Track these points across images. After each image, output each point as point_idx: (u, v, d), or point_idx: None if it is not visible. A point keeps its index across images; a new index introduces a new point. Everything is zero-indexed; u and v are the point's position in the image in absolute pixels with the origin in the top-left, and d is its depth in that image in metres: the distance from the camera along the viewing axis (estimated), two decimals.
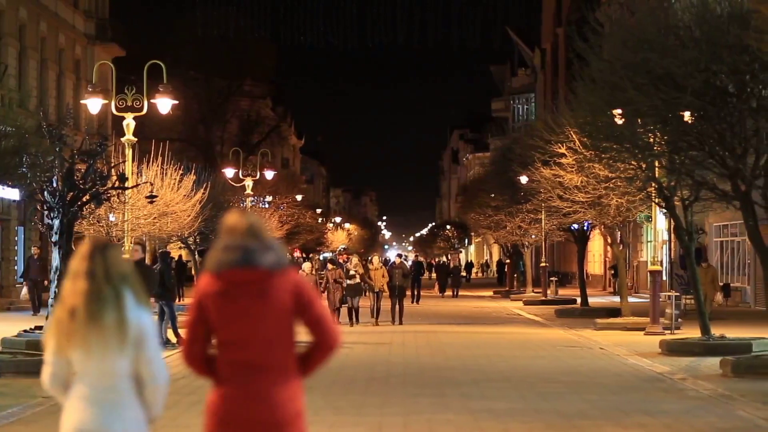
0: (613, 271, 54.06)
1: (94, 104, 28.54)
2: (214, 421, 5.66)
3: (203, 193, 34.43)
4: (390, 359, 22.01)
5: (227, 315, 5.61)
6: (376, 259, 35.60)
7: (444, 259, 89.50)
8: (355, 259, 34.66)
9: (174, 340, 25.47)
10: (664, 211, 27.43)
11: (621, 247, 40.07)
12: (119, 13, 58.95)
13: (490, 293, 61.79)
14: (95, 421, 5.50)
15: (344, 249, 40.04)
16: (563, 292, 53.71)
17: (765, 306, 34.43)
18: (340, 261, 33.75)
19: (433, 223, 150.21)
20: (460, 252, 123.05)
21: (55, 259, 23.50)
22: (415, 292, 48.75)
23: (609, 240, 36.78)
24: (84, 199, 23.73)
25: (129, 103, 28.28)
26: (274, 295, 5.61)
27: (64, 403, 5.65)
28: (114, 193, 25.79)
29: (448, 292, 60.02)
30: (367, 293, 33.69)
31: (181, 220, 32.65)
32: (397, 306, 33.46)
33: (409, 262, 58.11)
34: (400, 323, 32.51)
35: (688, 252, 24.76)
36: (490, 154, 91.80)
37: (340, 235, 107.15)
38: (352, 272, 32.37)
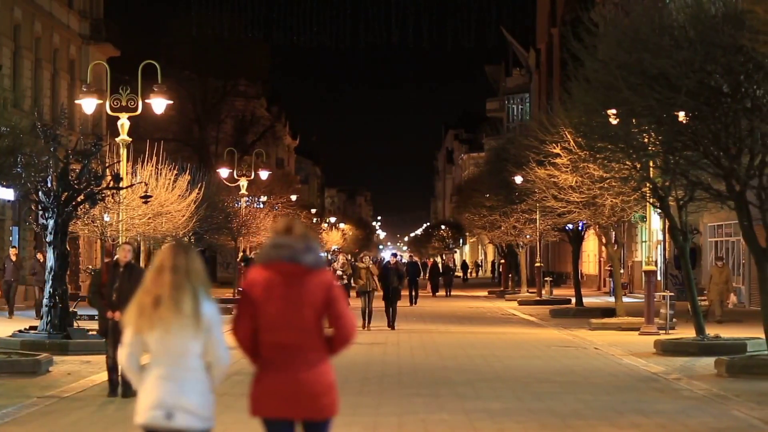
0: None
1: (88, 104, 28.52)
2: (258, 392, 6.83)
3: (198, 193, 34.42)
4: (384, 359, 22.01)
5: (270, 299, 6.80)
6: (367, 258, 33.68)
7: (438, 259, 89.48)
8: (341, 259, 33.42)
9: None
10: (659, 211, 27.45)
11: (615, 248, 40.10)
12: (114, 13, 58.97)
13: (484, 293, 61.83)
14: (172, 394, 6.51)
15: (338, 249, 39.60)
16: (558, 292, 53.74)
17: (759, 306, 34.39)
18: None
19: (428, 223, 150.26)
20: (455, 252, 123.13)
21: (50, 259, 23.49)
22: (413, 293, 46.82)
23: (604, 240, 36.78)
24: (78, 199, 23.73)
25: (123, 103, 28.26)
26: (310, 287, 6.83)
27: (135, 380, 6.65)
28: (108, 193, 25.78)
29: (441, 292, 60.13)
30: (353, 295, 32.91)
31: (175, 220, 32.64)
32: (391, 309, 31.64)
33: (404, 262, 56.56)
34: (393, 328, 31.06)
35: (683, 252, 24.78)
36: (485, 154, 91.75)
37: (335, 235, 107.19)
38: (339, 272, 31.24)
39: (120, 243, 21.46)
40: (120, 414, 14.47)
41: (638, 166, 22.37)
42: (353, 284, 31.56)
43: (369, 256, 35.72)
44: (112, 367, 15.73)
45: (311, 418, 6.85)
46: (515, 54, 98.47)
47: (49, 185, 23.29)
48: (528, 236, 51.25)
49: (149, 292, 6.62)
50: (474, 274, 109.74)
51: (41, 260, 34.27)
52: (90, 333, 22.68)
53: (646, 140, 20.88)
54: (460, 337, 28.40)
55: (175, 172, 33.70)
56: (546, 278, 52.93)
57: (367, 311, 30.88)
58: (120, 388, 15.64)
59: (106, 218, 30.47)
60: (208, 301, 6.65)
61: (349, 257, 66.89)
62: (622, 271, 48.69)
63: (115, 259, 16.12)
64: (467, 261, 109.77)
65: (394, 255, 39.56)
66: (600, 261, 63.59)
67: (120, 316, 15.41)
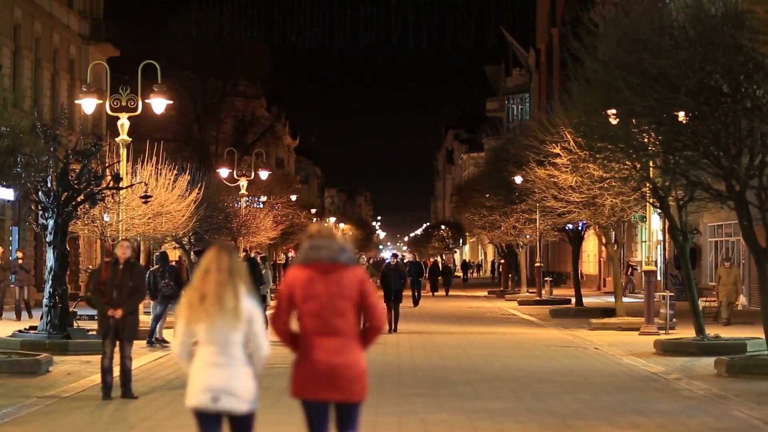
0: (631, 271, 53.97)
1: (88, 104, 28.52)
2: (298, 376, 7.70)
3: (198, 193, 34.38)
4: (384, 359, 22.00)
5: (310, 294, 7.71)
6: (363, 259, 31.89)
7: (438, 259, 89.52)
8: None
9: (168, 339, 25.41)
10: (659, 211, 27.46)
11: (615, 247, 40.09)
12: (113, 13, 58.90)
13: (484, 293, 61.83)
14: (219, 378, 7.39)
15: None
16: (558, 292, 53.74)
17: (759, 306, 34.36)
18: None
19: (428, 223, 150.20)
20: (455, 252, 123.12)
21: (50, 259, 23.49)
22: (415, 294, 45.57)
23: (604, 240, 36.77)
24: (78, 199, 23.73)
25: (123, 103, 28.26)
26: (345, 282, 7.73)
27: (185, 366, 7.54)
28: (108, 193, 25.77)
29: (441, 292, 60.18)
30: None
31: (175, 220, 32.60)
32: (393, 312, 30.02)
33: (406, 261, 55.54)
34: (395, 331, 29.76)
35: (683, 252, 24.78)
36: (485, 154, 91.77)
37: None
38: None
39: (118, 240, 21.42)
40: (120, 414, 14.48)
41: (638, 166, 22.36)
42: None
43: (365, 256, 34.31)
44: (108, 368, 15.57)
45: (345, 400, 7.71)
46: (515, 54, 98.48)
47: (49, 185, 23.29)
48: (528, 236, 51.25)
49: (197, 290, 7.53)
50: (476, 274, 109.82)
51: (22, 261, 34.23)
52: (90, 333, 22.68)
53: (646, 140, 20.87)
54: (460, 337, 28.40)
55: (175, 172, 33.67)
56: (546, 278, 52.93)
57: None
58: (120, 389, 15.60)
59: (106, 218, 30.45)
60: (249, 297, 7.53)
61: None
62: (627, 273, 49.00)
63: (114, 256, 16.04)
64: (467, 261, 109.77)
65: (395, 255, 38.54)
66: (600, 261, 63.61)
67: (120, 313, 15.43)
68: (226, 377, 7.41)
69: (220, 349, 7.46)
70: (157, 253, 27.56)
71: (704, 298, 33.16)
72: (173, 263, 26.52)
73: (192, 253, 27.66)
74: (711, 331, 24.50)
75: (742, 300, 33.19)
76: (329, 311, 7.70)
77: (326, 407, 7.75)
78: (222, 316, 7.45)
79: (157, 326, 25.07)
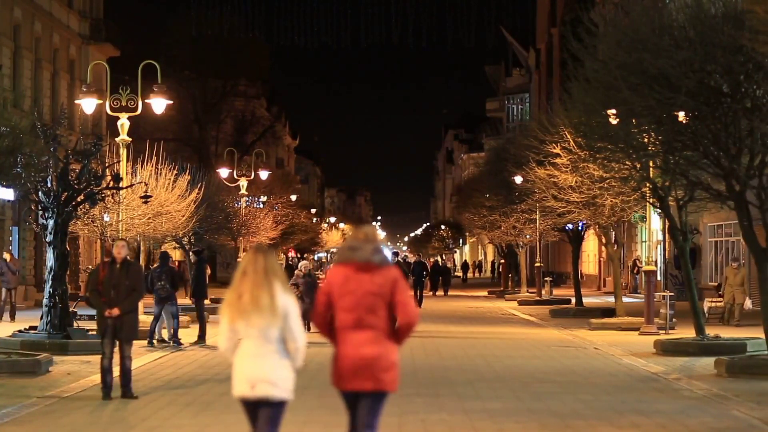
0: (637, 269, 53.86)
1: (88, 104, 28.51)
2: (337, 364, 8.48)
3: (198, 193, 34.37)
4: None
5: (345, 291, 8.47)
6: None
7: (438, 259, 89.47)
8: (305, 264, 29.73)
9: (167, 338, 25.37)
10: (659, 211, 27.44)
11: (615, 247, 40.08)
12: (113, 13, 58.84)
13: (484, 293, 61.82)
14: (260, 369, 8.21)
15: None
16: (558, 292, 53.74)
17: (759, 306, 34.24)
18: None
19: (428, 223, 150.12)
20: (455, 252, 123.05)
21: (50, 259, 23.48)
22: (418, 294, 45.39)
23: (604, 240, 36.77)
24: (78, 199, 23.72)
25: (123, 103, 28.27)
26: (379, 281, 8.47)
27: (230, 359, 8.35)
28: (108, 193, 25.77)
29: (440, 292, 60.26)
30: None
31: (175, 220, 32.58)
32: None
33: (408, 261, 55.30)
34: None
35: (683, 252, 24.78)
36: (485, 154, 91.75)
37: (335, 235, 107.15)
38: (300, 280, 27.69)
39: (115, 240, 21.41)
40: (119, 414, 14.48)
41: (638, 166, 22.35)
42: None
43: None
44: (108, 368, 15.56)
45: (376, 389, 8.46)
46: (515, 54, 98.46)
47: (49, 185, 23.28)
48: (528, 236, 51.23)
49: (235, 290, 8.32)
50: (477, 273, 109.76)
51: (7, 260, 34.15)
52: (90, 333, 22.66)
53: (646, 140, 20.87)
54: (460, 337, 28.39)
55: (175, 172, 33.65)
56: (546, 278, 52.93)
57: None
58: (120, 389, 15.59)
59: (106, 218, 30.44)
60: (284, 294, 8.29)
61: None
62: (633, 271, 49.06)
63: (111, 256, 16.00)
64: (467, 261, 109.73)
65: (395, 254, 37.65)
66: (600, 261, 63.61)
67: (117, 312, 15.41)
68: (264, 367, 8.22)
69: (258, 342, 8.25)
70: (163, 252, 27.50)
71: (710, 299, 32.81)
72: (175, 264, 26.43)
73: (191, 253, 27.58)
74: (716, 331, 24.48)
75: (748, 302, 32.53)
76: (362, 307, 8.45)
77: (359, 396, 8.50)
78: (259, 313, 8.22)
79: (157, 326, 25.06)
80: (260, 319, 8.23)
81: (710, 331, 23.96)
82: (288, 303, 8.29)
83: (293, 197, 72.04)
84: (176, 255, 47.28)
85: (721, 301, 31.86)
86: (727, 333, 25.64)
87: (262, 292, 8.24)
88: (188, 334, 26.74)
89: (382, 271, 8.51)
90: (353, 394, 8.51)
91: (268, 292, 8.24)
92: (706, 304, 31.62)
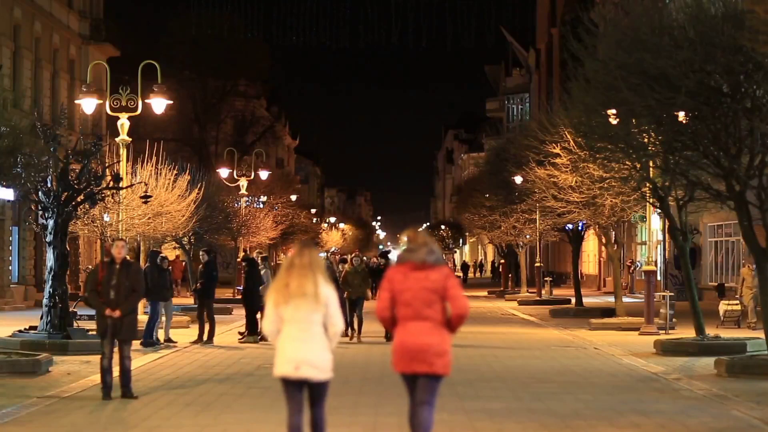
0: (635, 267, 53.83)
1: (88, 104, 28.52)
2: (396, 351, 9.65)
3: (198, 193, 34.38)
4: (384, 359, 21.92)
5: (405, 287, 9.65)
6: (357, 260, 28.65)
7: None
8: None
9: (162, 339, 25.27)
10: (659, 211, 27.44)
11: (615, 247, 40.08)
12: (113, 13, 58.92)
13: (484, 293, 61.79)
14: (301, 350, 9.29)
15: (336, 250, 38.26)
16: (558, 292, 53.73)
17: (760, 306, 34.19)
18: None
19: (428, 223, 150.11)
20: (455, 252, 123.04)
21: (50, 259, 23.46)
22: None
23: (604, 240, 36.76)
24: (78, 199, 23.71)
25: (123, 103, 28.27)
26: (433, 278, 9.64)
27: (273, 341, 9.45)
28: (108, 193, 25.76)
29: None
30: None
31: (175, 220, 32.60)
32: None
33: None
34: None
35: (683, 252, 24.77)
36: (485, 154, 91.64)
37: (335, 235, 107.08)
38: None
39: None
40: (119, 414, 14.48)
41: (638, 166, 22.34)
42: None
43: (360, 256, 30.96)
44: (107, 368, 15.54)
45: (430, 372, 9.58)
46: (515, 54, 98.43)
47: (49, 185, 23.26)
48: (528, 236, 51.24)
49: (282, 279, 9.45)
50: (478, 273, 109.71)
51: None
52: (90, 333, 22.65)
53: (646, 140, 20.86)
54: (460, 337, 28.22)
55: (175, 172, 33.66)
56: (546, 278, 52.92)
57: (352, 318, 26.95)
58: (120, 389, 15.58)
59: (106, 218, 30.44)
60: (325, 284, 9.44)
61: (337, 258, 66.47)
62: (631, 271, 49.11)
63: (110, 256, 15.97)
64: (467, 262, 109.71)
65: (385, 254, 36.57)
66: (600, 261, 63.61)
67: (119, 314, 15.40)
68: (307, 350, 9.27)
69: (301, 326, 9.32)
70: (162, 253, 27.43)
71: (726, 301, 31.25)
72: (168, 263, 26.28)
73: (201, 252, 27.50)
74: (730, 333, 24.36)
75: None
76: (418, 301, 9.60)
77: (416, 379, 9.66)
78: (304, 299, 9.34)
79: (155, 326, 25.01)
80: (306, 304, 9.32)
81: (709, 331, 23.96)
82: (329, 293, 9.46)
83: (293, 197, 71.98)
84: (172, 255, 47.18)
85: (737, 304, 30.43)
86: (727, 333, 25.60)
87: (307, 281, 9.36)
88: (188, 334, 26.74)
89: (436, 270, 9.68)
90: (411, 376, 9.66)
91: (313, 281, 9.37)
92: (722, 307, 30.49)
